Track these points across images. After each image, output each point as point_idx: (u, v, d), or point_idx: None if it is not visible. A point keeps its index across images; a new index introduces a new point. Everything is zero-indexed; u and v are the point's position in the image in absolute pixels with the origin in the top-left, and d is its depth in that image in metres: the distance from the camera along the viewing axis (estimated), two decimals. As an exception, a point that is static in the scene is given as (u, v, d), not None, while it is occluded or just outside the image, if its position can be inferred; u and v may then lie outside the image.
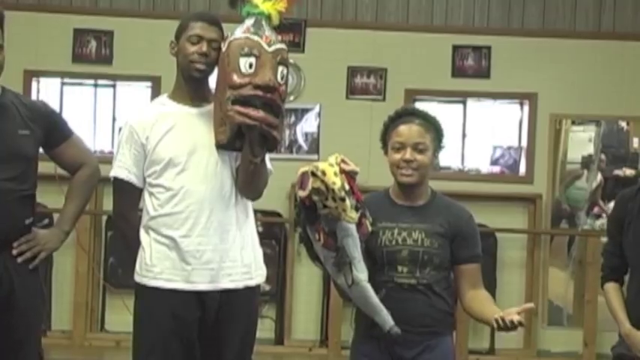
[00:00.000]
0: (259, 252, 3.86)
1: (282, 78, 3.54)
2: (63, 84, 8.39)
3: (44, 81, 8.34)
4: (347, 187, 3.22)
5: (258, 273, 3.83)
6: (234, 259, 3.73)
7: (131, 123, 3.76)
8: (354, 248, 3.28)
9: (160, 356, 3.68)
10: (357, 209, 3.27)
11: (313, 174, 3.21)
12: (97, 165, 4.08)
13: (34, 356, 3.87)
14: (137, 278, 3.75)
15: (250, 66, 3.50)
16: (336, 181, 3.19)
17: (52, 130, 3.89)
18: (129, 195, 3.76)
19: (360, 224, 3.30)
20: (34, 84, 8.21)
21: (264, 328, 7.82)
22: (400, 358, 3.50)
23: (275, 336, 7.99)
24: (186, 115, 3.76)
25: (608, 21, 8.27)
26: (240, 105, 3.52)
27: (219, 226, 3.70)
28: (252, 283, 3.80)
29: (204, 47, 3.70)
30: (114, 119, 8.39)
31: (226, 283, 3.71)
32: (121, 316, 7.25)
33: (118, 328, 7.68)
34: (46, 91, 8.35)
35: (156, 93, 8.02)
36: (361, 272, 3.30)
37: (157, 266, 3.68)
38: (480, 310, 3.51)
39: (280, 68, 3.54)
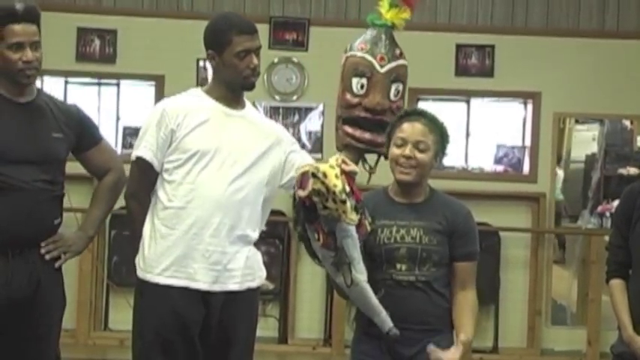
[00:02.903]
0: (259, 253, 3.87)
1: (396, 95, 3.58)
2: (66, 83, 8.40)
3: (48, 80, 8.34)
4: (347, 189, 3.22)
5: (258, 274, 3.83)
6: (239, 261, 3.73)
7: (164, 107, 3.74)
8: (354, 249, 3.28)
9: (161, 354, 3.68)
10: (356, 210, 3.27)
11: (314, 175, 3.21)
12: (123, 171, 4.07)
13: (53, 354, 3.91)
14: (140, 273, 3.74)
15: (362, 87, 3.57)
16: (337, 184, 3.18)
17: (84, 134, 3.95)
18: (147, 177, 3.74)
19: (359, 224, 3.30)
20: (37, 83, 8.18)
21: (268, 327, 7.83)
22: (400, 357, 3.50)
23: (279, 335, 7.99)
24: (221, 113, 3.75)
25: (612, 20, 8.26)
26: (350, 125, 3.59)
27: (231, 229, 3.69)
28: (253, 284, 3.80)
29: (254, 60, 3.71)
30: (118, 118, 8.40)
31: (230, 285, 3.71)
32: (124, 315, 7.22)
33: (122, 327, 7.67)
34: (50, 90, 8.26)
35: (159, 92, 8.04)
36: (360, 273, 3.30)
37: (162, 263, 3.67)
38: (454, 320, 3.53)
39: (394, 86, 3.59)
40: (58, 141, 3.82)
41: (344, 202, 3.19)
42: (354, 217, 3.24)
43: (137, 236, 3.77)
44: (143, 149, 3.72)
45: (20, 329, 3.74)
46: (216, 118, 3.73)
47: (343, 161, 3.27)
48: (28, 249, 3.75)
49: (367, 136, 3.60)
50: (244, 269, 3.74)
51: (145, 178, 3.75)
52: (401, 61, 3.65)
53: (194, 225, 3.66)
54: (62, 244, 3.84)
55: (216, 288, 3.68)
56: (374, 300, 3.33)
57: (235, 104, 3.79)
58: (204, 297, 3.68)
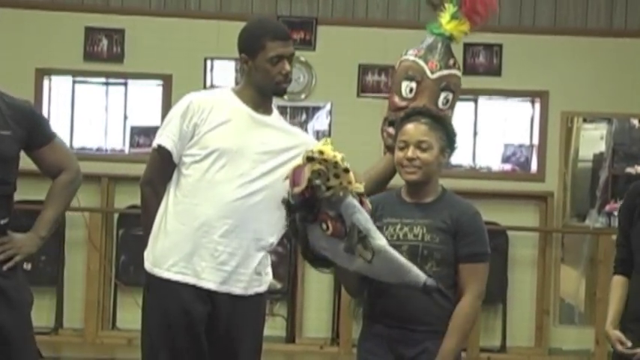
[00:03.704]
0: (269, 256, 3.86)
1: (444, 103, 3.56)
2: (74, 82, 8.41)
3: (56, 79, 8.36)
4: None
5: (266, 279, 3.82)
6: (248, 266, 3.70)
7: (191, 100, 3.73)
8: (367, 221, 3.23)
9: (168, 349, 3.67)
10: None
11: (310, 158, 3.20)
12: (78, 170, 3.95)
13: (31, 354, 3.78)
14: (148, 267, 3.73)
15: (411, 90, 3.56)
16: (337, 155, 3.19)
17: (35, 131, 3.78)
18: (165, 166, 3.72)
19: (361, 203, 3.28)
20: (45, 82, 8.24)
21: (276, 327, 7.84)
22: (402, 357, 3.49)
23: (286, 334, 7.99)
24: (246, 115, 3.74)
25: (620, 18, 8.25)
26: (394, 127, 3.59)
27: (243, 232, 3.67)
28: (261, 289, 3.79)
29: (287, 66, 3.70)
30: (125, 117, 8.41)
31: (236, 289, 3.69)
32: (132, 314, 7.26)
33: (130, 326, 7.69)
34: (58, 90, 8.38)
35: (167, 91, 8.05)
36: (380, 239, 3.25)
37: (170, 258, 3.66)
38: None
39: (443, 94, 3.57)
40: (5, 138, 3.65)
41: (347, 170, 3.19)
42: (359, 185, 3.22)
43: (149, 225, 3.76)
44: (165, 138, 3.70)
45: None
46: (241, 119, 3.72)
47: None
48: None
49: None
50: (253, 274, 3.72)
51: (163, 167, 3.73)
52: (454, 71, 3.65)
53: (205, 223, 3.64)
54: (11, 245, 3.69)
55: (223, 289, 3.67)
56: (401, 259, 3.26)
57: (263, 109, 3.78)
58: (210, 296, 3.67)
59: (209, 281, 3.66)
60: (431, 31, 3.67)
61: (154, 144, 3.75)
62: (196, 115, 3.68)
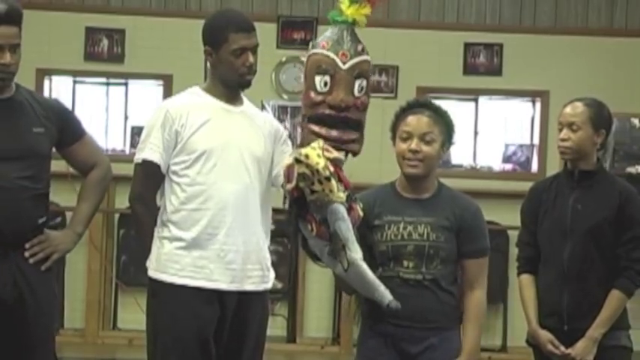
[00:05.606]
0: (269, 253, 3.87)
1: (360, 90, 3.53)
2: (75, 82, 8.42)
3: (56, 79, 8.37)
4: (331, 168, 3.21)
5: (271, 276, 3.84)
6: (254, 261, 3.72)
7: (167, 108, 3.72)
8: (347, 231, 3.24)
9: (179, 355, 3.66)
10: (348, 198, 3.26)
11: (297, 160, 3.21)
12: (109, 165, 4.02)
13: (50, 357, 3.82)
14: (154, 274, 3.70)
15: (325, 84, 3.52)
16: (320, 162, 3.19)
17: (66, 128, 3.84)
18: (154, 179, 3.70)
19: (350, 209, 3.28)
20: (46, 82, 8.24)
21: (277, 326, 7.84)
22: (407, 354, 3.49)
23: (287, 334, 7.99)
24: (222, 110, 3.75)
25: (621, 18, 8.25)
26: (316, 123, 3.57)
27: (244, 228, 3.68)
28: (267, 286, 3.81)
29: (250, 58, 3.71)
30: (126, 117, 8.42)
31: (247, 286, 3.70)
32: (133, 314, 7.27)
33: (131, 326, 7.70)
34: (58, 90, 8.38)
35: (168, 91, 8.05)
36: (355, 252, 3.25)
37: (177, 263, 3.65)
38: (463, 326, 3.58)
39: (358, 82, 3.53)
40: (40, 136, 3.71)
41: (328, 179, 3.18)
42: (341, 194, 3.22)
43: (145, 239, 3.75)
44: (149, 151, 3.68)
45: (11, 335, 3.65)
46: (218, 115, 3.73)
47: (326, 149, 3.26)
48: (12, 250, 3.64)
49: (334, 133, 3.54)
50: (260, 270, 3.75)
51: (151, 181, 3.71)
52: (364, 57, 3.60)
53: (208, 225, 3.64)
54: (48, 244, 3.73)
55: (233, 287, 3.67)
56: (371, 276, 3.27)
57: (234, 101, 3.80)
58: (220, 296, 3.67)
59: (221, 282, 3.65)
60: (333, 19, 3.63)
61: (138, 158, 3.72)
62: (176, 122, 3.66)
